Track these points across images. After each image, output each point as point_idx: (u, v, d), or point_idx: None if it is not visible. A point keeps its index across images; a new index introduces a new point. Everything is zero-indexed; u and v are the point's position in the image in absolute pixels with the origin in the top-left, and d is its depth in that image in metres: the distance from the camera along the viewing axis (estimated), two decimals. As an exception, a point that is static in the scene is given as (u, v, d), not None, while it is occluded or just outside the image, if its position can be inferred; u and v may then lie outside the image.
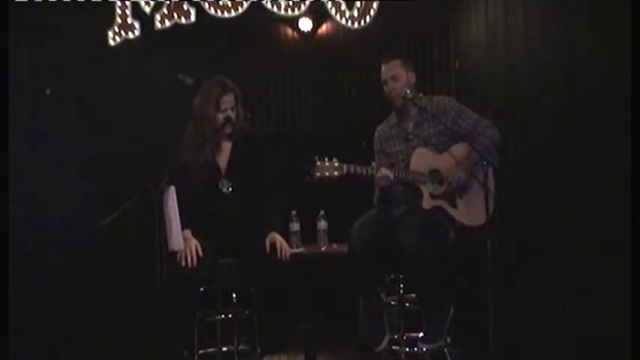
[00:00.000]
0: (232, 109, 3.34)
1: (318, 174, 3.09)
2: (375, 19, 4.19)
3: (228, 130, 3.34)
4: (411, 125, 3.43)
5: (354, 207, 3.45)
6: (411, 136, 3.41)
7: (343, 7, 4.22)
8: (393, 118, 3.53)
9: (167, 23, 4.32)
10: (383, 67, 3.44)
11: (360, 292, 3.35)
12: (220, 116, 3.32)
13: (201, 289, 3.18)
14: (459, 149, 3.33)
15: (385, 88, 3.43)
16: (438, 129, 3.36)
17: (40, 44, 4.38)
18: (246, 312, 3.32)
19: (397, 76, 3.39)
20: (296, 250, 3.54)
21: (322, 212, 3.80)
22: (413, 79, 3.43)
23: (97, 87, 4.37)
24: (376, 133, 3.56)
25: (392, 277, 3.32)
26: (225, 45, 4.35)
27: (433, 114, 3.30)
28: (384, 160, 3.44)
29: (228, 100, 3.33)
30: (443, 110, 3.35)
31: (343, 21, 4.24)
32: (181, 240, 3.08)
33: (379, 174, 3.17)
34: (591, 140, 3.63)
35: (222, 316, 3.35)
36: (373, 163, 3.22)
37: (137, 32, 4.34)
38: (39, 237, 4.31)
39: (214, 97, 3.32)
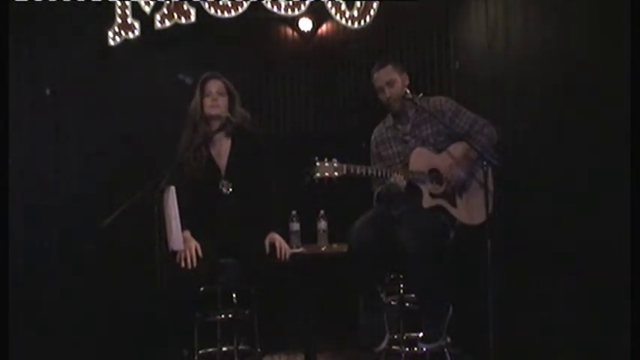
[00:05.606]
0: (221, 94, 3.32)
1: (318, 174, 3.09)
2: (374, 19, 4.19)
3: (213, 111, 3.30)
4: (408, 127, 3.43)
5: (354, 207, 3.44)
6: (407, 137, 3.41)
7: (343, 7, 4.23)
8: (389, 120, 3.52)
9: (167, 23, 4.32)
10: (376, 75, 3.43)
11: (360, 292, 3.35)
12: (207, 101, 3.31)
13: (201, 289, 3.18)
14: (457, 148, 3.34)
15: (382, 95, 3.42)
16: (436, 129, 3.37)
17: (40, 44, 4.37)
18: (246, 312, 3.33)
19: (393, 81, 3.39)
20: (296, 250, 3.54)
21: (322, 212, 3.81)
22: (407, 80, 3.44)
23: (97, 87, 4.37)
24: (372, 136, 3.56)
25: (392, 277, 3.32)
26: (225, 45, 4.35)
27: (432, 114, 3.30)
28: (380, 163, 3.44)
29: (213, 84, 3.33)
30: (440, 110, 3.36)
31: (343, 21, 4.24)
32: (181, 240, 3.07)
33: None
34: (591, 140, 3.63)
35: (222, 316, 3.36)
36: (369, 168, 3.21)
37: (137, 32, 4.34)
38: (39, 237, 4.31)
39: (200, 82, 3.35)
